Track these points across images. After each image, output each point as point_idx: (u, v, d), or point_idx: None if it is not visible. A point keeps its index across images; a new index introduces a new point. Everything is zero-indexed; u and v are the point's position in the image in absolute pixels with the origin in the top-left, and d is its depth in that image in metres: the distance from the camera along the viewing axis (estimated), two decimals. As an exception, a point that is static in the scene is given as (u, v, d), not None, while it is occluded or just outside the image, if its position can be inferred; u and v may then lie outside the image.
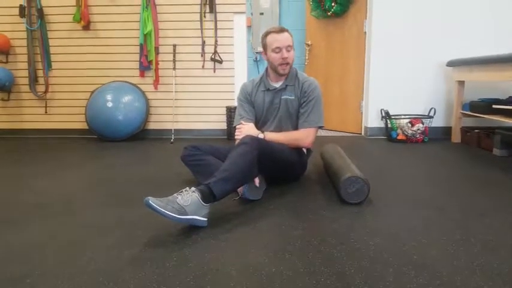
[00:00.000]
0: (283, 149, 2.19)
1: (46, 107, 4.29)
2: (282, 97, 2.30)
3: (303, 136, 2.25)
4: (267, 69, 2.36)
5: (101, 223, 1.72)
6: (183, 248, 1.46)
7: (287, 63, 2.22)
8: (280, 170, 2.20)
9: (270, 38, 2.21)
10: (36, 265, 1.33)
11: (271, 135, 2.19)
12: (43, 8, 4.05)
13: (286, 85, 2.30)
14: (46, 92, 4.23)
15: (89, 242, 1.52)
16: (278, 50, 2.19)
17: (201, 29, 4.07)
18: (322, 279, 1.22)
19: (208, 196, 1.66)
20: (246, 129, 2.23)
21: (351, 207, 1.87)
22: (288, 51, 2.20)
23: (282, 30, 2.20)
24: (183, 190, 1.65)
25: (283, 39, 2.18)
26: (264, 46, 2.25)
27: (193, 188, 1.66)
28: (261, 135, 2.17)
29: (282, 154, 2.17)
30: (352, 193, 1.90)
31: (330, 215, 1.78)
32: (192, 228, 1.61)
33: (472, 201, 1.99)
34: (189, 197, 1.61)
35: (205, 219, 1.64)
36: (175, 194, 1.63)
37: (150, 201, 1.53)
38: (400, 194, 2.11)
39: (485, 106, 3.32)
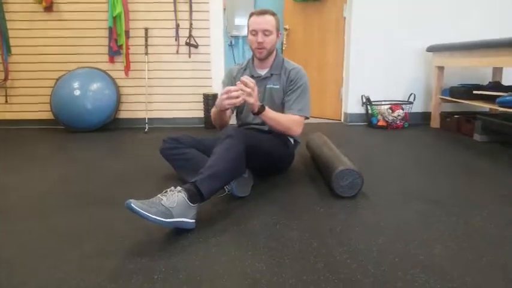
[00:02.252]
0: (269, 140, 2.07)
1: (6, 95, 3.97)
2: (267, 86, 2.18)
3: (295, 124, 2.10)
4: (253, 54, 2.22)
5: (75, 229, 1.55)
6: (171, 255, 1.32)
7: (263, 48, 2.08)
8: (268, 162, 2.08)
9: (250, 20, 2.09)
10: (4, 283, 1.16)
11: (269, 111, 1.98)
12: (-1, -13, 3.71)
13: (272, 73, 2.17)
14: (6, 79, 3.90)
15: (62, 252, 1.35)
16: (254, 32, 2.07)
17: (175, 11, 3.84)
18: (328, 287, 1.12)
19: (196, 195, 1.52)
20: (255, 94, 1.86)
21: (345, 201, 1.79)
22: (266, 35, 2.06)
23: (263, 12, 2.06)
24: (168, 190, 1.50)
25: (262, 22, 2.04)
26: (247, 27, 2.12)
27: (178, 188, 1.51)
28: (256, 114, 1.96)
29: (269, 146, 2.04)
30: (346, 186, 1.81)
31: (324, 211, 1.68)
32: (179, 232, 1.48)
33: (464, 191, 1.95)
34: (174, 197, 1.47)
35: (193, 220, 1.51)
36: (159, 195, 1.48)
37: (132, 205, 1.37)
38: (391, 185, 2.04)
39: (465, 91, 3.31)
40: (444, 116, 3.67)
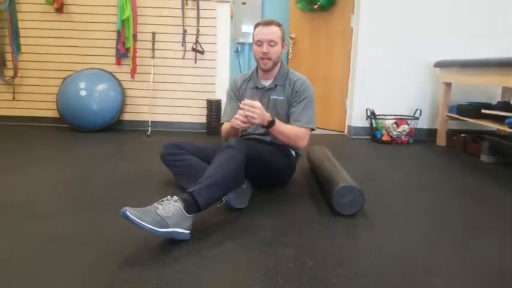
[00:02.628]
0: (271, 152, 2.06)
1: (14, 92, 4.01)
2: (271, 97, 2.16)
3: (303, 136, 2.07)
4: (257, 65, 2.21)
5: (72, 233, 1.54)
6: (164, 266, 1.30)
7: (268, 59, 2.07)
8: (268, 174, 2.06)
9: (255, 30, 2.09)
10: (-7, 288, 1.16)
11: (279, 124, 1.97)
12: (12, -13, 3.75)
13: (276, 85, 2.16)
14: (14, 76, 3.95)
15: (58, 257, 1.34)
16: (260, 43, 2.06)
17: (183, 17, 3.86)
18: (320, 309, 1.10)
19: (192, 206, 1.51)
20: (258, 111, 1.85)
21: (345, 220, 1.76)
22: (271, 46, 2.04)
23: (268, 23, 2.06)
24: (164, 199, 1.49)
25: (267, 32, 2.04)
26: (252, 38, 2.12)
27: (175, 197, 1.50)
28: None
29: (270, 158, 2.03)
30: (346, 204, 1.78)
31: (323, 229, 1.66)
32: (173, 242, 1.46)
33: (469, 214, 1.91)
34: (171, 207, 1.46)
35: (188, 231, 1.50)
36: (155, 204, 1.47)
37: (128, 213, 1.37)
38: (393, 205, 2.01)
39: (473, 110, 3.27)
40: (450, 133, 3.63)
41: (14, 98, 4.02)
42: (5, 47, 3.89)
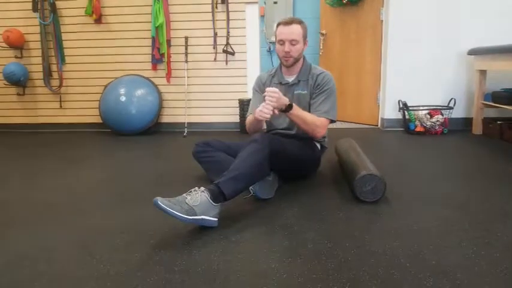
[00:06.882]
0: (295, 145, 2.12)
1: (61, 101, 4.31)
2: (295, 92, 2.23)
3: (320, 125, 2.11)
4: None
5: (111, 224, 1.69)
6: (193, 250, 1.42)
7: (290, 56, 2.14)
8: (293, 167, 2.14)
9: (277, 30, 2.15)
10: (44, 269, 1.31)
11: (297, 109, 2.03)
12: (55, 2, 4.04)
13: (299, 80, 2.23)
14: (60, 86, 4.24)
15: (98, 244, 1.50)
16: (282, 42, 2.13)
17: (213, 20, 4.00)
18: (334, 286, 1.17)
19: (218, 196, 1.62)
20: (276, 94, 1.92)
21: (367, 206, 1.81)
22: (293, 45, 2.11)
23: (290, 22, 2.11)
24: (192, 190, 1.62)
25: (289, 32, 2.10)
26: (275, 36, 2.19)
27: (202, 188, 1.62)
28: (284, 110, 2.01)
29: (294, 151, 2.10)
30: (368, 191, 1.83)
31: (344, 215, 1.72)
32: (202, 229, 1.58)
33: (495, 199, 1.89)
34: (198, 196, 1.58)
35: (216, 219, 1.60)
36: (184, 194, 1.59)
37: (159, 202, 1.50)
38: (419, 191, 2.03)
39: (508, 96, 3.18)
40: (487, 122, 3.54)
41: (60, 106, 4.32)
42: (51, 58, 4.19)
